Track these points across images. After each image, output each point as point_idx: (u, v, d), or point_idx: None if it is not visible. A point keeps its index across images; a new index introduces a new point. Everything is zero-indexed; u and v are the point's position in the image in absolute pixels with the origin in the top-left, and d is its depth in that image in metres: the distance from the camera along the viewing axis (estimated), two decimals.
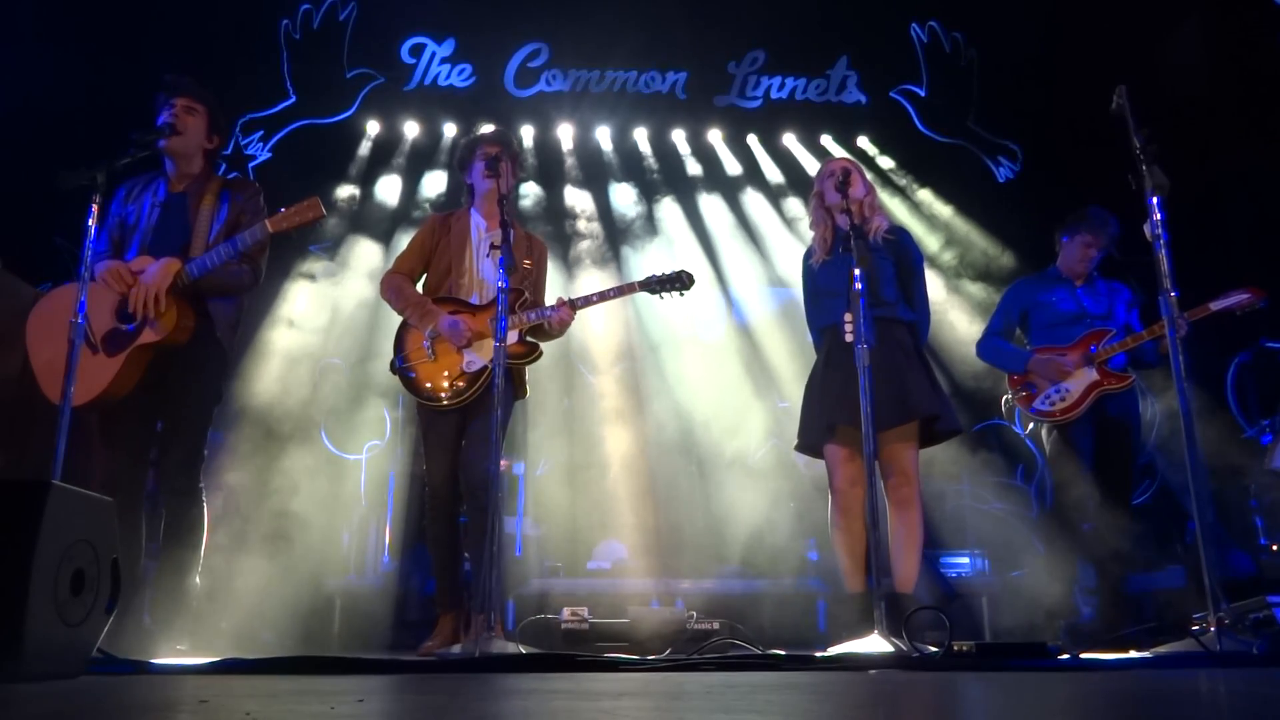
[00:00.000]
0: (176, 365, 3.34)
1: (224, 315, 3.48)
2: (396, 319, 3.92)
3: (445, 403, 3.71)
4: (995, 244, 6.69)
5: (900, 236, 3.82)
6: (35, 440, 3.70)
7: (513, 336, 3.67)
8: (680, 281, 3.81)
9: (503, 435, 3.37)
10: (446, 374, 3.71)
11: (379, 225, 6.63)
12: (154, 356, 3.32)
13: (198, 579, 3.39)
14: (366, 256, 6.47)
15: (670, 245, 6.82)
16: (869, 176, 4.04)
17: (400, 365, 3.81)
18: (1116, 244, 4.38)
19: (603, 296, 3.83)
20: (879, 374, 3.23)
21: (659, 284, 3.80)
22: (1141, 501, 5.44)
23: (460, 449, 3.76)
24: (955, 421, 3.63)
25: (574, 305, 3.73)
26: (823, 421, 3.62)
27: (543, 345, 3.82)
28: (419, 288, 3.95)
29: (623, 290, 3.82)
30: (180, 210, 3.50)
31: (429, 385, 3.73)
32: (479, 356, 3.70)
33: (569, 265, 6.62)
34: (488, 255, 3.81)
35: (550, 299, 3.89)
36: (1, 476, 2.61)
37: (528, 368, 3.83)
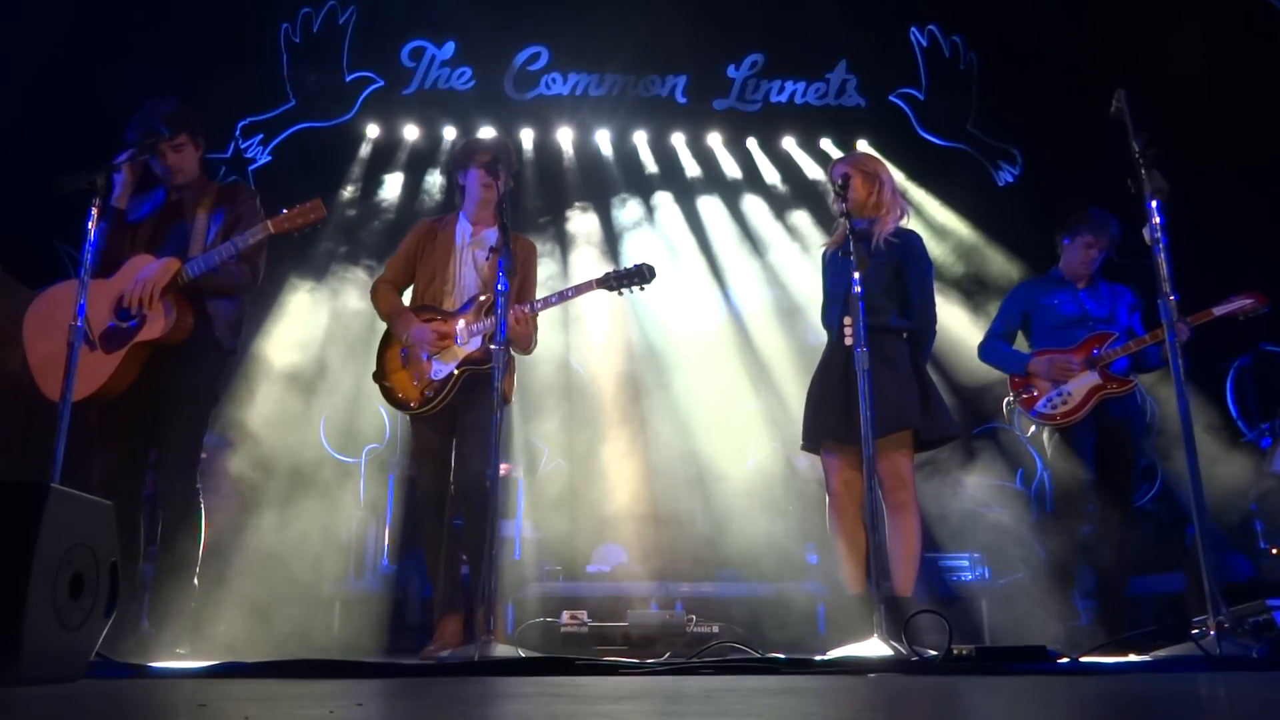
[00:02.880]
0: (173, 365, 3.34)
1: (224, 315, 3.49)
2: None
3: (416, 410, 3.72)
4: (995, 248, 6.68)
5: (906, 240, 3.68)
6: (35, 443, 3.70)
7: (476, 343, 3.67)
8: (640, 275, 3.67)
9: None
10: (416, 382, 3.73)
11: (378, 228, 6.63)
12: (151, 354, 3.32)
13: (196, 581, 3.39)
14: (365, 259, 6.46)
15: (669, 248, 6.81)
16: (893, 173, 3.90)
17: (378, 374, 3.83)
18: (1117, 246, 4.37)
19: (561, 296, 3.77)
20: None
21: (618, 279, 3.68)
22: (1141, 505, 5.44)
23: (451, 452, 3.76)
24: (941, 430, 3.56)
25: (531, 309, 3.70)
26: (814, 430, 3.63)
27: (538, 348, 3.82)
28: (408, 294, 3.95)
29: (581, 289, 3.74)
30: (177, 216, 3.51)
31: (400, 394, 3.76)
32: (444, 364, 3.69)
33: (567, 269, 6.61)
34: (482, 259, 3.80)
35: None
36: (1, 479, 2.60)
37: (517, 372, 3.83)
